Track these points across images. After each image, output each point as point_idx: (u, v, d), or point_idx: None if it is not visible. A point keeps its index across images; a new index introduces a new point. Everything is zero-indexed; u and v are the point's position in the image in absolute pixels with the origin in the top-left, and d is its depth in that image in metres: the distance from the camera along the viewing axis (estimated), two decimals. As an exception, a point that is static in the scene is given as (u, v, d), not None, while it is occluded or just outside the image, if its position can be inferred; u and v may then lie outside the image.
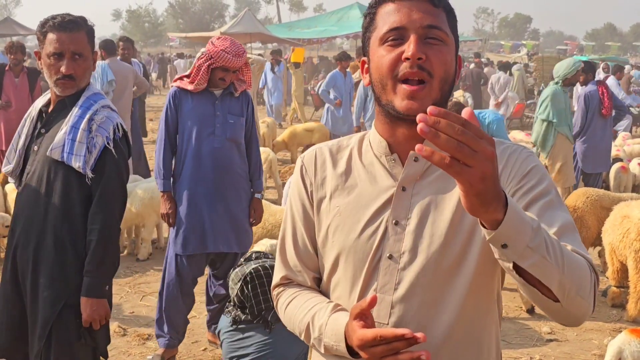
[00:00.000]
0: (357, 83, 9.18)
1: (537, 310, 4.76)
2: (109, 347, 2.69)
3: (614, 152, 8.26)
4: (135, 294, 5.04)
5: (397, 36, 1.27)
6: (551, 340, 4.37)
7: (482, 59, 19.85)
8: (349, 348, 1.23)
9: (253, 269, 2.82)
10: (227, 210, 3.76)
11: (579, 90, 10.55)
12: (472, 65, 16.74)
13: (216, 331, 3.14)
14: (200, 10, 72.14)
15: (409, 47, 1.24)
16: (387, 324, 1.28)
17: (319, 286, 1.44)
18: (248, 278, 2.79)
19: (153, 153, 4.15)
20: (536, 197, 1.25)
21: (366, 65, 1.36)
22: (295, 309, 1.40)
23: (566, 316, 1.16)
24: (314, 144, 2.44)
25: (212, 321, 4.02)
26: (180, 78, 3.81)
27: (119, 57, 7.55)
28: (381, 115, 1.34)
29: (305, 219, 1.43)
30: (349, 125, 8.88)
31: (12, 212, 3.95)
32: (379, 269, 1.30)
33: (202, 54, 3.69)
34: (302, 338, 1.39)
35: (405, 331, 1.11)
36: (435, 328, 1.27)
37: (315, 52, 40.26)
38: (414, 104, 1.24)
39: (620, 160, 8.24)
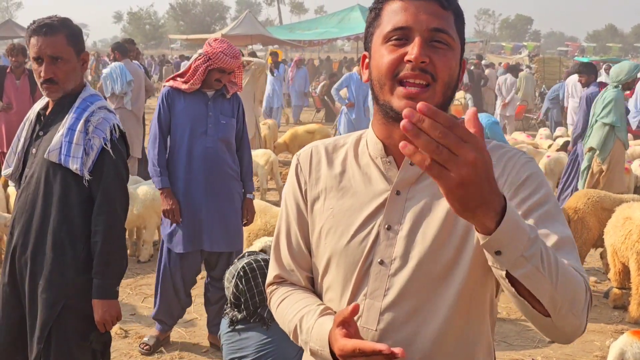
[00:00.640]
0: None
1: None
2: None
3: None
4: (137, 295, 5.04)
5: (401, 36, 1.23)
6: (553, 342, 4.36)
7: (483, 61, 19.85)
8: (333, 354, 1.21)
9: (246, 263, 2.83)
10: (219, 209, 3.79)
11: (576, 89, 10.56)
12: (472, 67, 16.76)
13: (217, 334, 3.14)
14: (201, 12, 72.17)
15: (412, 50, 1.20)
16: (375, 330, 1.26)
17: (314, 285, 1.42)
18: (241, 272, 2.80)
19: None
20: (533, 207, 1.20)
21: (367, 61, 1.32)
22: (285, 308, 1.39)
23: (556, 332, 1.13)
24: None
25: (212, 323, 4.03)
26: (174, 78, 3.84)
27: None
28: (379, 115, 1.31)
29: (299, 218, 1.41)
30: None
31: (12, 213, 3.95)
32: (370, 274, 1.28)
33: (200, 55, 3.70)
34: (291, 338, 1.37)
35: (383, 347, 1.09)
36: (425, 336, 1.25)
37: (316, 54, 40.30)
38: (413, 105, 1.22)
39: (622, 161, 8.21)
